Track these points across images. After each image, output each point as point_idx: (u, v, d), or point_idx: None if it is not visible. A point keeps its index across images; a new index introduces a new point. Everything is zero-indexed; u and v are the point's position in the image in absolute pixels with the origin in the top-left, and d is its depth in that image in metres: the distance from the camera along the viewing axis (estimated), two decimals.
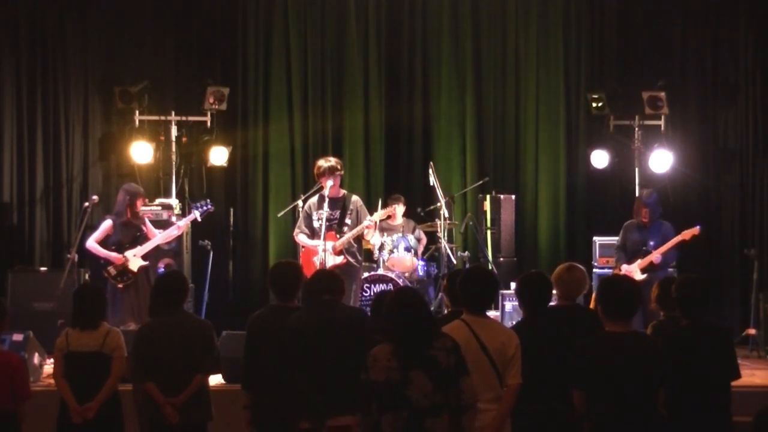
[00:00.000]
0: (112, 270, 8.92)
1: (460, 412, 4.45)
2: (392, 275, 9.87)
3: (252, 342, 5.59)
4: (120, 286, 8.90)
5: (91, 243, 9.05)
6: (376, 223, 9.08)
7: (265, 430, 5.56)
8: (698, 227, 9.13)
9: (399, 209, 10.59)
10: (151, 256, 9.06)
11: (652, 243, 8.99)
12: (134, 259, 8.93)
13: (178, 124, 11.15)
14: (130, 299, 8.88)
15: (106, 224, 9.08)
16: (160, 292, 5.93)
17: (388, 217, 10.17)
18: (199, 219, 9.36)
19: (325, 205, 8.87)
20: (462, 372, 4.48)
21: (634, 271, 8.93)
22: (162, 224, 9.68)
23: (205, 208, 9.35)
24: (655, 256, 8.90)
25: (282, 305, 5.63)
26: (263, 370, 5.50)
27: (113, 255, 8.91)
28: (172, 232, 9.29)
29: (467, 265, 10.24)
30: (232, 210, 11.32)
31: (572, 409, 4.70)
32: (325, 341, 5.18)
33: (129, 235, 9.02)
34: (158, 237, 9.07)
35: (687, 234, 9.06)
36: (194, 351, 5.76)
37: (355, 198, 9.15)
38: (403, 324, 4.47)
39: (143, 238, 9.04)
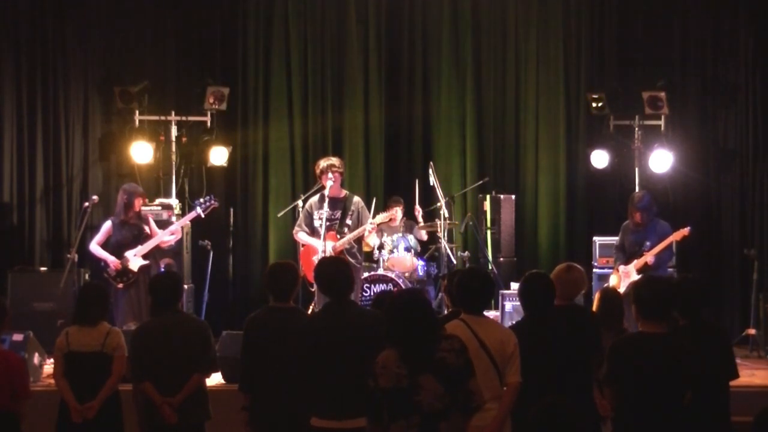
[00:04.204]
0: (111, 271, 8.92)
1: (469, 414, 4.44)
2: (392, 275, 9.88)
3: (249, 343, 5.57)
4: (120, 285, 8.89)
5: (93, 245, 9.06)
6: (375, 227, 9.10)
7: (263, 431, 5.55)
8: (688, 228, 9.13)
9: (399, 212, 10.59)
10: (151, 255, 9.06)
11: (648, 243, 8.98)
12: (134, 259, 8.92)
13: (178, 124, 11.15)
14: (131, 299, 8.88)
15: (107, 226, 9.09)
16: (155, 293, 5.94)
17: (390, 220, 10.17)
18: (203, 215, 9.34)
19: (325, 204, 8.89)
20: (470, 374, 4.47)
21: (631, 271, 8.94)
22: (162, 224, 9.67)
23: (207, 203, 9.31)
24: (649, 258, 8.89)
25: (279, 306, 5.61)
26: (261, 370, 5.49)
27: (110, 259, 8.90)
28: (171, 231, 9.29)
29: (467, 266, 10.25)
30: (232, 210, 11.32)
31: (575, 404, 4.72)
32: (339, 343, 5.14)
33: (129, 234, 9.01)
34: (156, 237, 9.06)
35: (677, 235, 9.05)
36: (191, 351, 5.76)
37: (356, 199, 9.16)
38: (404, 324, 4.44)
39: (144, 238, 9.03)
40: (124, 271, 8.91)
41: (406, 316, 4.46)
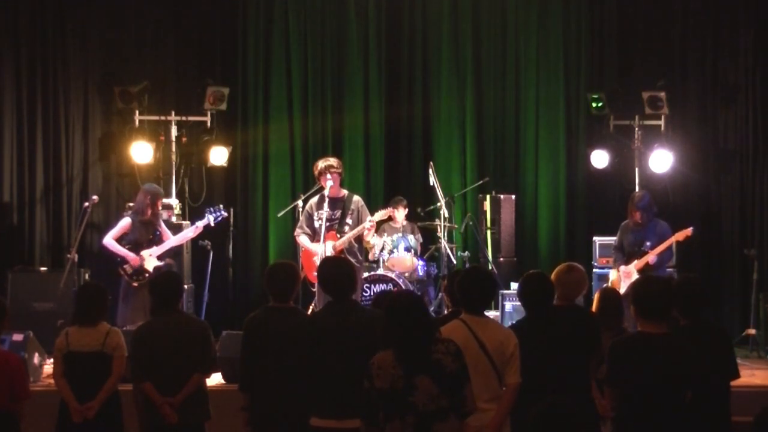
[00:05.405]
0: (128, 268, 8.93)
1: (461, 418, 4.45)
2: (392, 275, 9.88)
3: (249, 343, 5.57)
4: (135, 284, 8.92)
5: (109, 240, 9.03)
6: (374, 223, 9.09)
7: (263, 431, 5.55)
8: (691, 228, 9.13)
9: (400, 213, 10.56)
10: (165, 257, 9.08)
11: (648, 243, 8.98)
12: (150, 259, 8.95)
13: (178, 124, 11.15)
14: (143, 298, 8.84)
15: (125, 222, 9.08)
16: (155, 293, 5.94)
17: (390, 218, 10.17)
18: (212, 224, 9.38)
19: (325, 205, 8.89)
20: (467, 379, 4.48)
21: (632, 271, 8.93)
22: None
23: (218, 213, 9.35)
24: (651, 257, 8.89)
25: (278, 306, 5.61)
26: (260, 370, 5.49)
27: (131, 255, 8.92)
28: (187, 235, 9.37)
29: (467, 265, 10.24)
30: (232, 210, 11.30)
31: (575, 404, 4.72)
32: (340, 343, 5.13)
33: (146, 234, 9.03)
34: (173, 239, 9.10)
35: (680, 235, 9.05)
36: (191, 351, 5.76)
37: (356, 198, 9.16)
38: (402, 326, 4.44)
39: (158, 239, 9.06)
40: (141, 270, 8.93)
41: (404, 318, 4.46)
